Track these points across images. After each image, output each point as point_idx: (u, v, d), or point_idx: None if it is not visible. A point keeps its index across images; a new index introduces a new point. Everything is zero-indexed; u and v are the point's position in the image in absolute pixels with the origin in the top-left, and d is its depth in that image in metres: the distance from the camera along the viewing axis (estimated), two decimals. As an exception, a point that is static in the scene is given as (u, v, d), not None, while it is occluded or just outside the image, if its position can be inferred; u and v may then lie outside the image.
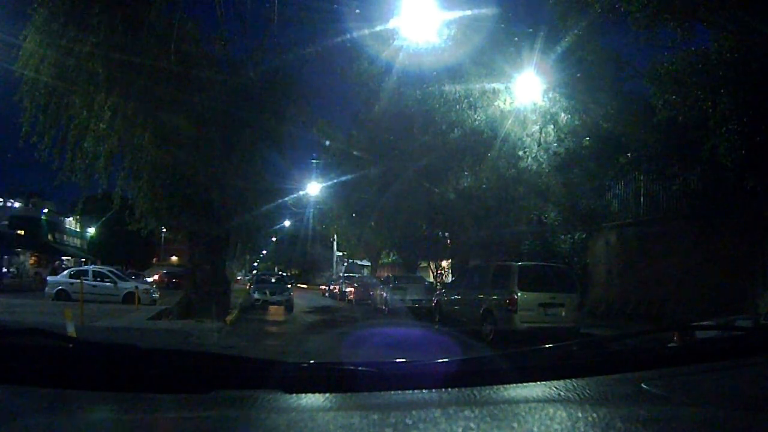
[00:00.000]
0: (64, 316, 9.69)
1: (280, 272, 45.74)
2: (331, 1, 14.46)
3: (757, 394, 1.34)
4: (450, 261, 27.42)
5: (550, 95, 14.75)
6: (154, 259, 58.88)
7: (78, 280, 18.20)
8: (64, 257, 49.30)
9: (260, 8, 13.10)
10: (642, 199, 16.97)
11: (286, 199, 22.67)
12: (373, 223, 24.11)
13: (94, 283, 21.30)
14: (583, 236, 18.39)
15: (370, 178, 19.45)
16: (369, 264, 39.35)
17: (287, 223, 40.83)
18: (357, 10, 13.22)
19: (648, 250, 16.19)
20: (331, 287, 36.38)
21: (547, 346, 1.68)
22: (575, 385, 1.36)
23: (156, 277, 37.90)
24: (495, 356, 1.63)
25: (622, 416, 1.12)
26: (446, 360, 1.49)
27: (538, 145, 15.35)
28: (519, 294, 12.16)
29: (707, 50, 11.34)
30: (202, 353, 2.32)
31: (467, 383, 1.35)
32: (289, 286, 27.29)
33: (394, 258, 34.70)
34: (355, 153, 19.23)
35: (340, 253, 44.63)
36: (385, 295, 22.67)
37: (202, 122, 12.96)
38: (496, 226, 18.23)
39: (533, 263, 14.02)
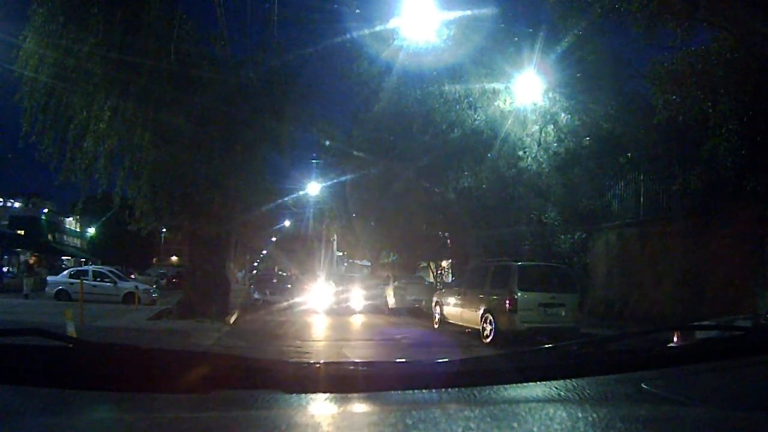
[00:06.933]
0: (64, 316, 9.69)
1: (280, 272, 45.73)
2: (331, 1, 14.48)
3: (757, 394, 1.34)
4: (450, 261, 27.40)
5: (550, 95, 14.75)
6: (154, 259, 58.89)
7: (78, 280, 18.21)
8: (64, 257, 49.30)
9: (260, 8, 13.14)
10: (642, 199, 16.95)
11: (286, 199, 22.72)
12: (372, 223, 24.09)
13: (94, 283, 21.31)
14: (583, 236, 18.39)
15: (370, 178, 19.44)
16: (369, 264, 39.32)
17: (287, 223, 40.86)
18: (357, 10, 13.26)
19: (648, 250, 16.19)
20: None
21: (547, 346, 1.68)
22: (575, 385, 1.36)
23: None
24: (495, 356, 1.63)
25: (622, 416, 1.12)
26: (446, 360, 1.50)
27: (538, 145, 15.35)
28: (519, 294, 12.15)
29: (707, 50, 11.33)
30: (202, 353, 2.32)
31: (467, 383, 1.35)
32: (289, 286, 27.33)
33: (394, 258, 34.65)
34: (355, 153, 19.22)
35: (340, 253, 44.61)
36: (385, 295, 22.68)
37: (202, 122, 12.96)
38: (496, 226, 18.21)
39: (533, 263, 14.01)
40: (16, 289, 24.70)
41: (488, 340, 12.34)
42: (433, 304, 16.77)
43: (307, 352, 10.76)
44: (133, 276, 35.22)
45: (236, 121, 13.51)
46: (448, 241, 24.00)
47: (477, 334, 12.90)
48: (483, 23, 13.52)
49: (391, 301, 21.82)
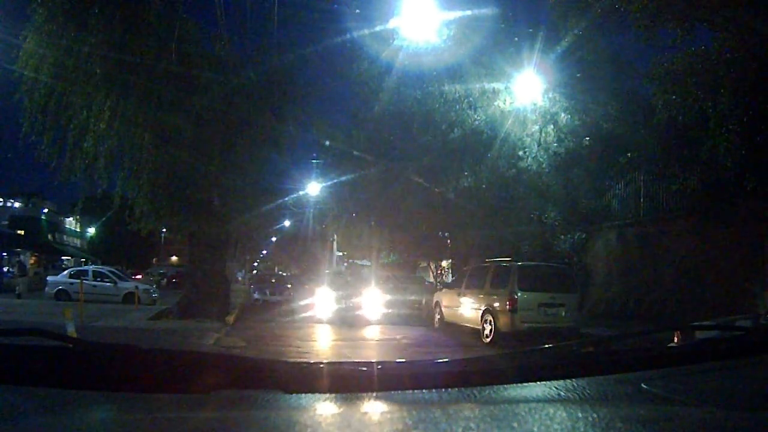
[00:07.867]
0: (64, 316, 9.69)
1: (280, 272, 45.78)
2: (331, 1, 14.50)
3: (757, 394, 1.34)
4: (450, 261, 27.40)
5: (550, 95, 14.76)
6: (154, 259, 58.89)
7: (78, 280, 18.20)
8: (64, 257, 49.28)
9: (260, 8, 13.16)
10: (642, 199, 16.95)
11: (286, 199, 22.71)
12: (373, 223, 24.09)
13: (94, 283, 21.30)
14: (583, 236, 18.39)
15: (370, 178, 19.42)
16: (369, 264, 39.32)
17: (287, 223, 40.83)
18: (357, 10, 13.27)
19: (648, 250, 16.18)
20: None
21: (547, 346, 1.68)
22: (575, 385, 1.36)
23: None
24: (495, 356, 1.63)
25: (622, 416, 1.12)
26: (446, 360, 1.50)
27: (538, 145, 15.36)
28: (519, 294, 12.16)
29: (707, 50, 11.33)
30: (202, 353, 2.32)
31: (467, 383, 1.35)
32: (289, 285, 27.33)
33: (394, 258, 34.66)
34: (355, 153, 19.20)
35: (340, 253, 44.61)
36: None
37: (202, 122, 12.96)
38: (496, 226, 18.21)
39: (533, 263, 14.01)
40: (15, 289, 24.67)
41: (488, 340, 12.35)
42: (433, 304, 16.77)
43: (307, 352, 10.76)
44: (139, 276, 35.19)
45: (236, 121, 13.51)
46: (448, 241, 23.99)
47: (477, 334, 12.90)
48: (483, 23, 13.55)
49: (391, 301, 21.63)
